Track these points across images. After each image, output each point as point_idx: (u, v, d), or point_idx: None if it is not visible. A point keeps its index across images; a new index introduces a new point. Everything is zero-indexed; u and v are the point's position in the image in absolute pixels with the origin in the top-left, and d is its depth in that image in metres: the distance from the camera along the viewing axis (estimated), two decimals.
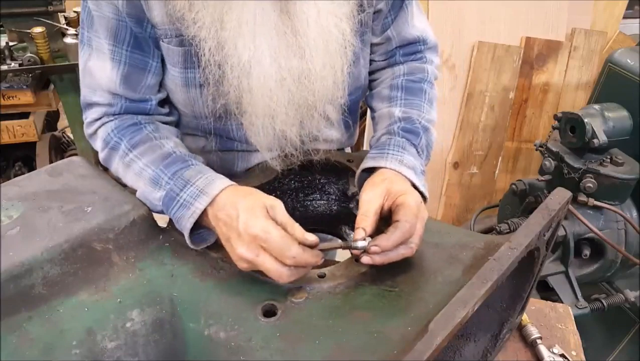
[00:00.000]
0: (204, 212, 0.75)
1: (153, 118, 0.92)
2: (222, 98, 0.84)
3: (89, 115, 0.92)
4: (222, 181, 0.78)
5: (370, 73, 1.07)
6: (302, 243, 0.69)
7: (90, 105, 0.92)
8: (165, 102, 0.95)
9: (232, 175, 0.92)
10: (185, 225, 0.75)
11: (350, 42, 0.84)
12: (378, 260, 0.73)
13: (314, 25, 0.79)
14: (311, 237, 0.70)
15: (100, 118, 0.91)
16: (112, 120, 0.90)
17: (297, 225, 0.71)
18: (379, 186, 0.80)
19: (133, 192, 0.84)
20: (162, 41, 0.85)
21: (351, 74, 0.89)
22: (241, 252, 0.69)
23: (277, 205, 0.72)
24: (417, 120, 0.95)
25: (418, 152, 0.91)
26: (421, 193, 0.85)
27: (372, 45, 1.02)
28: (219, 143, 1.01)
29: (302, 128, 0.89)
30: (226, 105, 0.86)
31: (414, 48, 1.04)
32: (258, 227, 0.68)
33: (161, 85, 0.92)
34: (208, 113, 0.91)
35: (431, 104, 1.00)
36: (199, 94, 0.90)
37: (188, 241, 0.76)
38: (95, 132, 0.92)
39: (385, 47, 1.03)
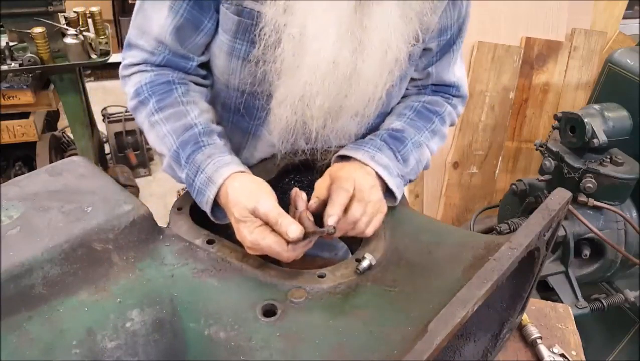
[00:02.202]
0: (217, 195, 0.81)
1: (188, 79, 0.94)
2: (266, 64, 0.83)
3: (128, 57, 0.93)
4: (226, 169, 0.82)
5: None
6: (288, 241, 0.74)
7: (134, 46, 0.92)
8: (205, 65, 0.97)
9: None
10: (205, 208, 0.83)
11: (400, 63, 0.84)
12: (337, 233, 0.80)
13: (381, 30, 0.79)
14: (294, 233, 0.73)
15: (139, 64, 0.92)
16: (148, 71, 0.91)
17: (282, 219, 0.74)
18: (346, 181, 0.83)
19: (134, 192, 0.84)
20: (223, 4, 0.85)
21: (385, 98, 0.91)
22: (247, 249, 0.77)
23: (259, 206, 0.75)
24: (409, 135, 0.97)
25: (396, 158, 0.93)
26: (393, 193, 0.89)
27: (411, 79, 1.04)
28: (236, 122, 1.01)
29: (323, 127, 0.89)
30: (264, 77, 0.86)
31: (445, 89, 1.06)
32: (249, 241, 0.75)
33: (206, 47, 0.93)
34: (243, 86, 0.92)
35: (434, 135, 1.01)
36: (239, 66, 0.90)
37: (213, 219, 0.84)
38: (130, 76, 0.93)
39: (422, 83, 1.05)
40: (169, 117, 0.88)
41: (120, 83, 0.96)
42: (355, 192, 0.82)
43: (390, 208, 0.91)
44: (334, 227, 0.76)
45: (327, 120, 0.87)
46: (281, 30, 0.78)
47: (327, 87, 0.81)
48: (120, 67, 0.95)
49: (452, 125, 1.08)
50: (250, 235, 0.75)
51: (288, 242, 0.74)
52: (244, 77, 0.91)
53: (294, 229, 0.73)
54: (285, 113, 0.85)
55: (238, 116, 1.00)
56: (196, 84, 0.96)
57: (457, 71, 1.05)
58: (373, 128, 1.01)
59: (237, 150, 1.03)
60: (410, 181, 0.99)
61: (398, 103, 1.06)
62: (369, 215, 0.82)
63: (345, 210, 0.80)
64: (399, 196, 0.91)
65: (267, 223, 0.75)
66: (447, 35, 0.95)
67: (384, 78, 0.84)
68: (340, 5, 0.76)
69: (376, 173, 0.88)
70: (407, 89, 1.06)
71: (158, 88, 0.90)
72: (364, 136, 0.99)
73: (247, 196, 0.77)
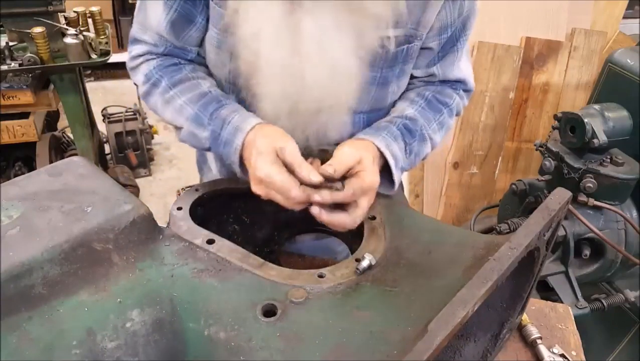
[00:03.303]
0: (243, 145, 0.85)
1: (193, 62, 1.00)
2: (237, 69, 0.89)
3: (133, 50, 0.99)
4: (253, 119, 0.87)
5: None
6: (305, 183, 0.79)
7: (138, 41, 0.98)
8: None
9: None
10: (233, 160, 0.87)
11: (373, 54, 0.85)
12: (324, 217, 0.82)
13: (319, 28, 0.80)
14: (315, 178, 0.79)
15: (144, 55, 0.98)
16: (155, 59, 0.97)
17: (305, 164, 0.80)
18: (359, 150, 0.86)
19: (134, 192, 0.85)
20: (212, 0, 0.89)
21: (376, 94, 0.96)
22: (254, 188, 0.83)
23: (287, 147, 0.81)
24: (420, 127, 0.98)
25: (405, 150, 0.95)
26: (394, 183, 0.92)
27: (415, 76, 1.05)
28: None
29: (302, 132, 0.91)
30: (237, 76, 0.91)
31: (452, 84, 1.07)
32: (263, 172, 0.80)
33: (202, 42, 0.97)
34: (230, 79, 0.96)
35: (441, 127, 1.03)
36: (227, 59, 0.94)
37: (239, 173, 0.88)
38: (138, 66, 0.99)
39: (428, 80, 1.06)
40: (184, 90, 0.93)
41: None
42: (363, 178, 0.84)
43: (391, 209, 0.91)
44: (342, 185, 0.81)
45: (309, 116, 0.89)
46: (236, 31, 0.83)
47: (285, 86, 0.84)
48: (127, 60, 1.00)
49: (457, 115, 1.10)
50: (267, 167, 0.79)
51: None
52: (231, 70, 0.95)
53: (315, 174, 0.79)
54: (266, 116, 0.89)
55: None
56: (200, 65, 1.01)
57: (462, 67, 1.05)
58: (373, 120, 1.02)
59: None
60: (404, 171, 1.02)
61: (408, 90, 1.07)
62: (362, 211, 0.84)
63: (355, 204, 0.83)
64: (396, 186, 0.94)
65: (286, 165, 0.80)
66: (448, 34, 0.95)
67: (353, 72, 0.85)
68: (273, 7, 0.79)
69: (386, 162, 0.90)
70: (413, 84, 1.07)
71: (167, 69, 0.96)
72: (363, 128, 1.01)
73: (276, 137, 0.83)
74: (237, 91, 0.96)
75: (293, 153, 0.80)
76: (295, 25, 0.79)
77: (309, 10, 0.78)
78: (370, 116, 1.01)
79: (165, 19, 0.92)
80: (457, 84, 1.07)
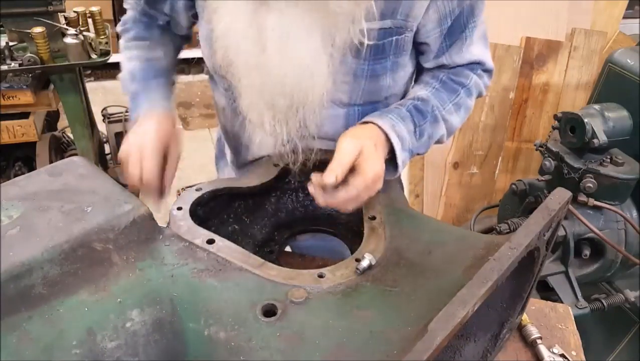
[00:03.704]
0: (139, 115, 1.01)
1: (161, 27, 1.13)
2: (214, 58, 0.93)
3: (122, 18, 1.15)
4: (142, 107, 1.01)
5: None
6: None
7: (125, 9, 1.14)
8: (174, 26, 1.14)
9: (239, 152, 1.15)
10: (131, 115, 1.04)
11: (330, 66, 0.85)
12: (321, 201, 0.85)
13: (286, 25, 0.81)
14: (321, 200, 0.85)
15: (130, 6, 1.13)
16: (134, 10, 1.12)
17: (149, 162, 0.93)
18: (360, 139, 0.86)
19: (134, 192, 0.86)
20: None
21: (366, 87, 0.97)
22: (121, 148, 0.96)
23: (145, 150, 0.93)
24: (432, 107, 0.97)
25: (415, 131, 0.94)
26: (397, 165, 0.92)
27: (426, 67, 1.05)
28: (233, 106, 1.08)
29: (285, 126, 0.91)
30: (218, 69, 0.94)
31: (468, 66, 1.05)
32: (127, 144, 0.95)
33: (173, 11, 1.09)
34: (220, 71, 0.97)
35: (458, 108, 1.02)
36: (211, 53, 0.97)
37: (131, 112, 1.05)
38: (126, 11, 1.15)
39: (439, 70, 1.05)
40: (140, 46, 1.09)
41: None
42: (360, 161, 0.84)
43: (391, 209, 0.91)
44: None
45: (287, 112, 0.89)
46: (214, 27, 0.86)
47: (257, 82, 0.86)
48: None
49: (479, 96, 1.08)
50: (132, 142, 0.94)
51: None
52: (213, 63, 0.98)
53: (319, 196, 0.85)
54: (245, 102, 0.91)
55: (232, 100, 1.06)
56: (174, 32, 1.14)
57: (474, 50, 1.02)
58: (367, 112, 1.02)
59: (238, 134, 1.12)
60: (418, 154, 1.01)
61: (423, 73, 1.07)
62: (362, 193, 0.85)
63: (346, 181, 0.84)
64: (401, 169, 0.94)
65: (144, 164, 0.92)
66: (448, 23, 0.95)
67: (323, 68, 0.85)
68: (241, 6, 0.81)
69: (390, 143, 0.90)
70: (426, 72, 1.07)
71: (141, 24, 1.11)
72: (358, 120, 1.01)
73: (159, 132, 0.96)
74: (223, 82, 1.04)
75: (149, 157, 0.93)
76: (261, 24, 0.81)
77: (273, 9, 0.79)
78: (365, 109, 1.01)
79: None
80: (473, 65, 1.05)
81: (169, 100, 1.05)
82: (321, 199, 0.85)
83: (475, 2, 0.95)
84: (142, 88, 1.04)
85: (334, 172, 0.83)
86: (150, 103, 1.02)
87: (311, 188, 0.86)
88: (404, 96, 1.07)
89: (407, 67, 1.02)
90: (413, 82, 1.10)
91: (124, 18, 1.14)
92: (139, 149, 0.93)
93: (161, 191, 0.97)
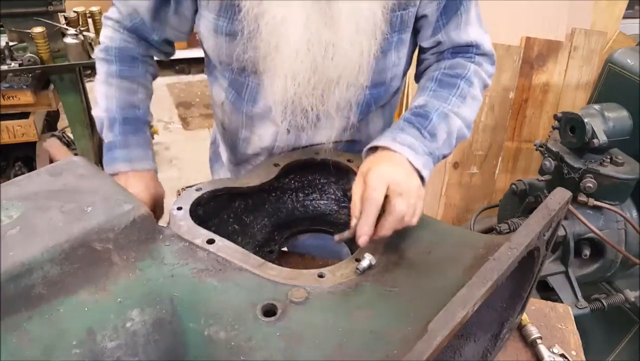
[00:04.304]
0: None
1: (150, 51, 1.10)
2: (253, 51, 0.90)
3: (110, 10, 1.08)
4: (120, 164, 1.01)
5: (422, 71, 1.10)
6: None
7: (115, 3, 1.06)
8: (170, 43, 1.12)
9: (236, 147, 1.14)
10: (107, 168, 1.02)
11: (380, 27, 0.86)
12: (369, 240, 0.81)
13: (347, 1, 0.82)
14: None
15: (113, 20, 1.06)
16: (120, 33, 1.06)
17: None
18: (360, 176, 0.85)
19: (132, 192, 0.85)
20: None
21: (375, 65, 0.94)
22: None
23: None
24: (434, 107, 0.96)
25: (422, 135, 0.93)
26: (419, 172, 0.89)
27: (424, 48, 1.05)
28: (233, 98, 1.08)
29: (320, 101, 0.91)
30: (254, 58, 0.92)
31: (465, 50, 1.05)
32: None
33: (175, 29, 1.06)
34: (232, 62, 0.98)
35: (463, 100, 1.00)
36: (224, 42, 0.97)
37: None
38: (106, 26, 1.08)
39: (437, 49, 1.05)
40: (122, 88, 1.05)
41: None
42: (392, 187, 0.82)
43: None
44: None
45: (322, 95, 0.90)
46: (259, 20, 0.84)
47: (310, 66, 0.86)
48: (104, 15, 1.10)
49: (485, 86, 1.07)
50: None
51: None
52: (229, 53, 0.97)
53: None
54: (278, 91, 0.90)
55: (234, 95, 1.06)
56: (159, 52, 1.12)
57: (471, 31, 1.02)
58: (373, 97, 1.03)
59: (236, 129, 1.12)
60: (444, 156, 0.99)
61: (421, 77, 1.07)
62: (412, 206, 0.82)
63: (390, 208, 0.81)
64: (425, 174, 0.90)
65: None
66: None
67: (366, 45, 0.86)
68: None
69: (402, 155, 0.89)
70: (425, 58, 1.08)
71: (125, 59, 1.06)
72: (364, 105, 1.03)
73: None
74: (242, 74, 1.01)
75: None
76: (328, 7, 0.82)
77: None
78: (372, 92, 1.02)
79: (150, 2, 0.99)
80: (469, 48, 1.04)
81: (149, 157, 1.04)
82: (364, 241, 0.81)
83: None
84: (120, 143, 1.02)
85: (355, 218, 0.82)
86: (130, 164, 1.01)
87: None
88: (404, 76, 1.08)
89: (407, 44, 1.02)
90: (413, 82, 1.11)
91: (104, 42, 1.06)
92: None
93: None
